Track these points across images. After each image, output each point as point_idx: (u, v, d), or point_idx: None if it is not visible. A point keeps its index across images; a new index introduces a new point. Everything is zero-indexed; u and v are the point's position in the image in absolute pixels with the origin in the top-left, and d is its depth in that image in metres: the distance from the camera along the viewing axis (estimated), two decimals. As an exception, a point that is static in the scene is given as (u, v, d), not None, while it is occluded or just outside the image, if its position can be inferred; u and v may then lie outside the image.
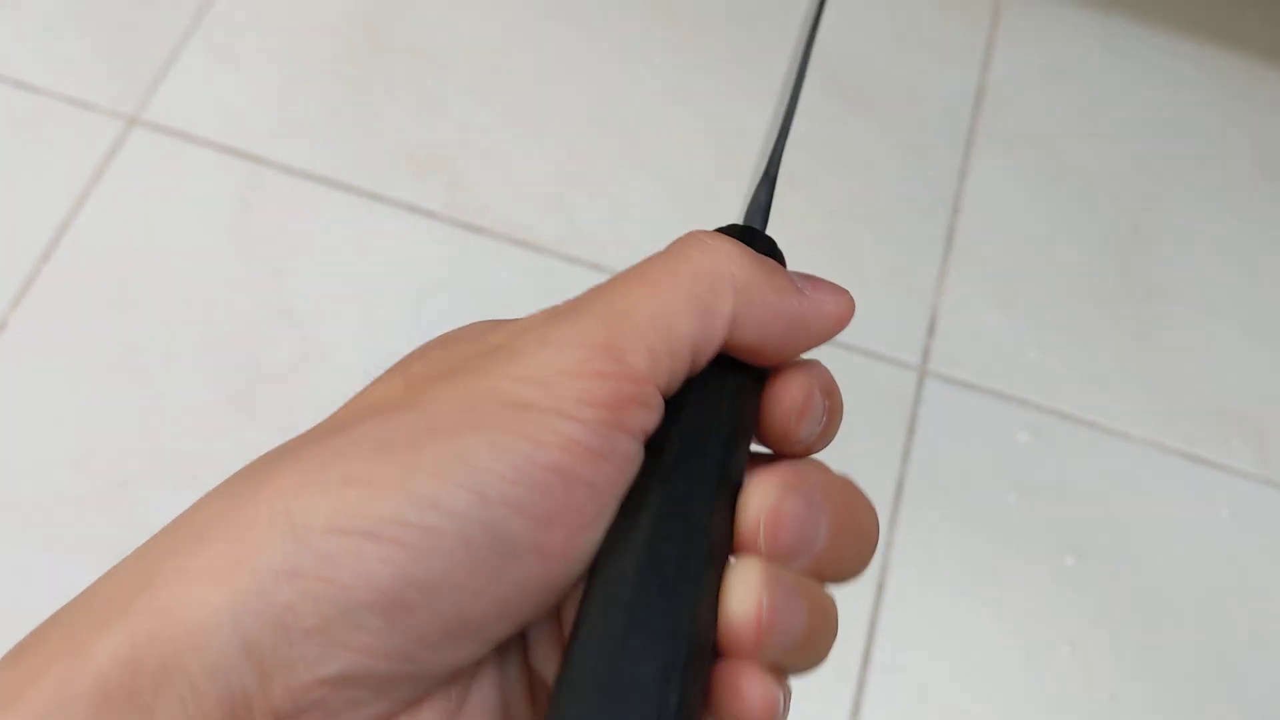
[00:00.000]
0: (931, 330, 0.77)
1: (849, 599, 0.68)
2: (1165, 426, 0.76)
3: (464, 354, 0.23)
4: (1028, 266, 0.81)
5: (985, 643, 0.68)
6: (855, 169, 0.83)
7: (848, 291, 0.25)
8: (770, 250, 0.26)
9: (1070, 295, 0.80)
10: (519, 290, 0.74)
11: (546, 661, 0.23)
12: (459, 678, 0.22)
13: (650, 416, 0.22)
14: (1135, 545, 0.72)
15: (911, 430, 0.73)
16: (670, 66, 0.84)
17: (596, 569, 0.21)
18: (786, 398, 0.24)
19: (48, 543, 0.64)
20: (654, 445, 0.22)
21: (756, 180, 0.26)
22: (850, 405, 0.80)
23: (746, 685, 0.21)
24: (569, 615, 0.22)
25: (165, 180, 0.76)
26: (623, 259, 0.72)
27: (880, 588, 0.68)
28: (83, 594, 0.21)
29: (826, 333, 0.24)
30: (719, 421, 0.23)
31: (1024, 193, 0.84)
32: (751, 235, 0.26)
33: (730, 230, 0.26)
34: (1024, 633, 0.68)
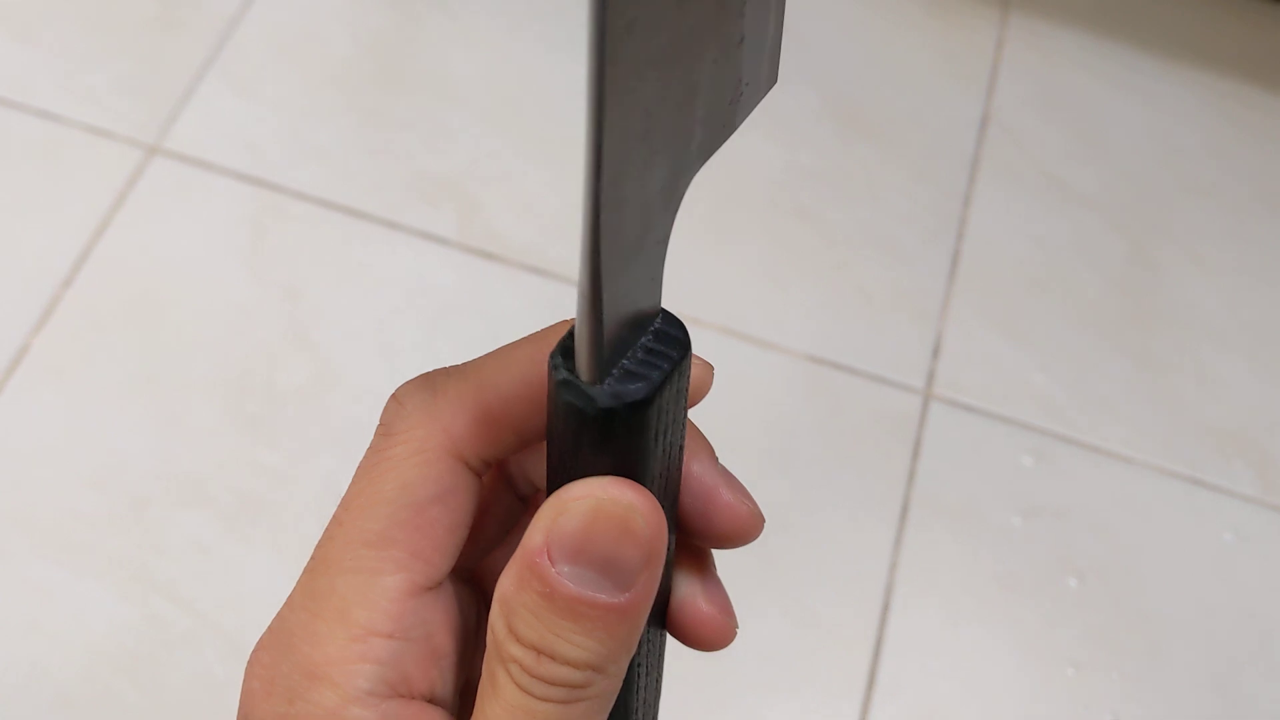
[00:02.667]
0: (936, 354, 0.78)
1: (855, 619, 0.69)
2: (1168, 450, 0.76)
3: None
4: (1032, 292, 0.82)
5: (989, 664, 0.69)
6: (860, 195, 0.84)
7: None
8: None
9: (1074, 320, 0.81)
10: (530, 316, 0.76)
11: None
12: None
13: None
14: (1138, 568, 0.72)
15: (916, 453, 0.74)
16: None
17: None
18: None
19: (66, 562, 0.65)
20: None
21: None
22: (856, 428, 0.82)
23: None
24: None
25: (184, 208, 0.77)
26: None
27: (885, 609, 0.69)
28: None
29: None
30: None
31: (1028, 219, 0.85)
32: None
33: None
34: (1027, 654, 0.69)
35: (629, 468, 0.22)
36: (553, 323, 0.25)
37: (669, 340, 0.22)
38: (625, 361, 0.22)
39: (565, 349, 0.22)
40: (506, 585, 0.22)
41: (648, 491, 0.22)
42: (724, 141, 0.23)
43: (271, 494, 0.68)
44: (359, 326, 0.74)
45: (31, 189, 0.77)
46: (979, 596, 0.70)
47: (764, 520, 0.25)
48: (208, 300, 0.74)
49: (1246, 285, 0.84)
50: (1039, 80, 0.92)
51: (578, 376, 0.21)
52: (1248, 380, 0.80)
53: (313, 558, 0.24)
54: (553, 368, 0.22)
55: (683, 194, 0.22)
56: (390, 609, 0.23)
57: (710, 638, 0.26)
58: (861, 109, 0.88)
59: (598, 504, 0.21)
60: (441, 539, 0.23)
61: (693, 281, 0.77)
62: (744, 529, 0.25)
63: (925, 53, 0.92)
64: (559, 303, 0.76)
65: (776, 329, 0.77)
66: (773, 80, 0.24)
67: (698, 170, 0.22)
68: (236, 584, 0.66)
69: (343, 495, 0.24)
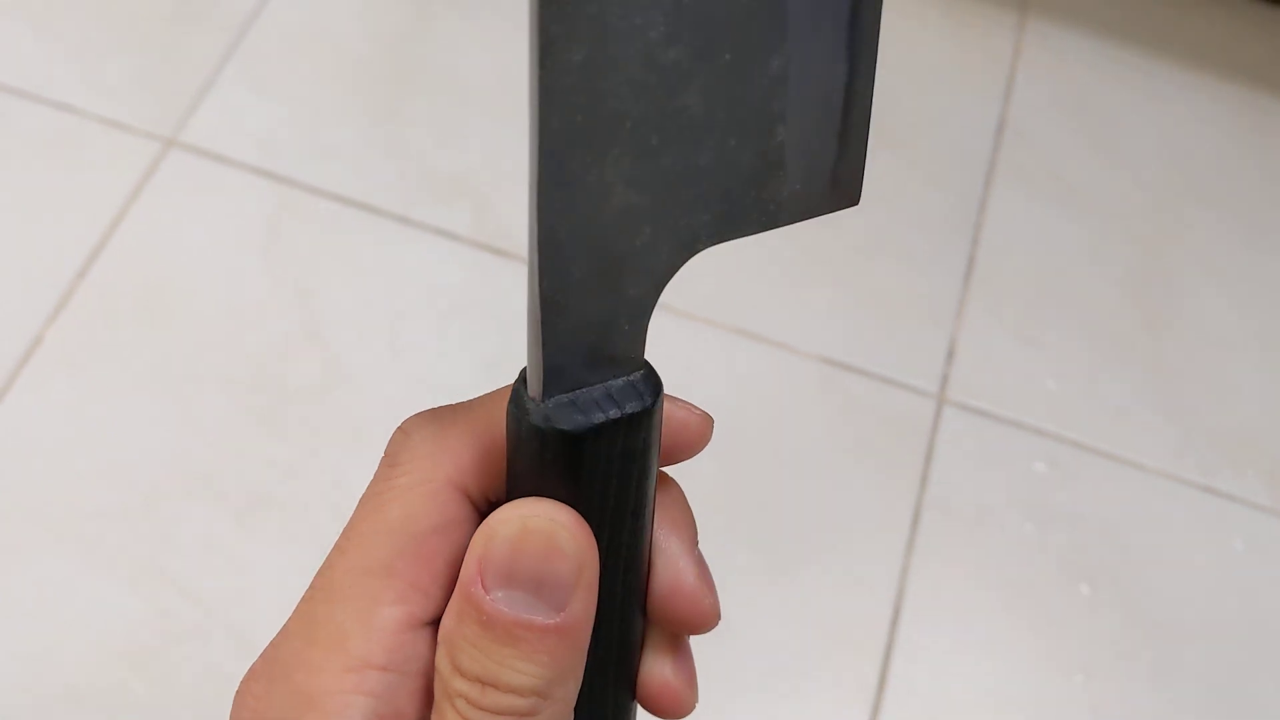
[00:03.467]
0: (950, 359, 0.78)
1: (865, 624, 0.68)
2: (1181, 458, 0.76)
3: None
4: (1046, 297, 0.81)
5: (1000, 670, 0.69)
6: (876, 200, 0.84)
7: None
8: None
9: (1088, 326, 0.81)
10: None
11: None
12: None
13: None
14: (1150, 575, 0.72)
15: (929, 458, 0.74)
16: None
17: None
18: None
19: (78, 555, 0.65)
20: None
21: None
22: (869, 432, 0.82)
23: None
24: None
25: (199, 202, 0.77)
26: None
27: (896, 613, 0.69)
28: None
29: None
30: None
31: (1043, 224, 0.85)
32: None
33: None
34: (1038, 660, 0.69)
35: (563, 500, 0.22)
36: None
37: (632, 393, 0.22)
38: (578, 394, 0.22)
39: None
40: (448, 622, 0.22)
41: (572, 509, 0.22)
42: (751, 233, 0.22)
43: (282, 489, 0.68)
44: (371, 322, 0.74)
45: (48, 181, 0.77)
46: (990, 602, 0.70)
47: (720, 618, 0.26)
48: (221, 294, 0.74)
49: (1260, 293, 0.84)
50: (1055, 86, 0.91)
51: (526, 390, 0.22)
52: (1260, 388, 0.80)
53: (312, 585, 0.23)
54: (517, 379, 0.22)
55: (678, 265, 0.22)
56: (387, 641, 0.22)
57: (669, 708, 0.26)
58: (878, 113, 0.87)
59: (522, 522, 0.21)
60: (441, 572, 0.23)
61: (707, 283, 0.77)
62: (700, 622, 0.25)
63: (942, 58, 0.91)
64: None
65: (790, 331, 0.77)
66: (849, 199, 0.23)
67: (704, 248, 0.22)
68: (246, 578, 0.66)
69: (347, 522, 0.24)
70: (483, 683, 0.21)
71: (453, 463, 0.23)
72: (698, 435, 0.25)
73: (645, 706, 0.27)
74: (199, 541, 0.66)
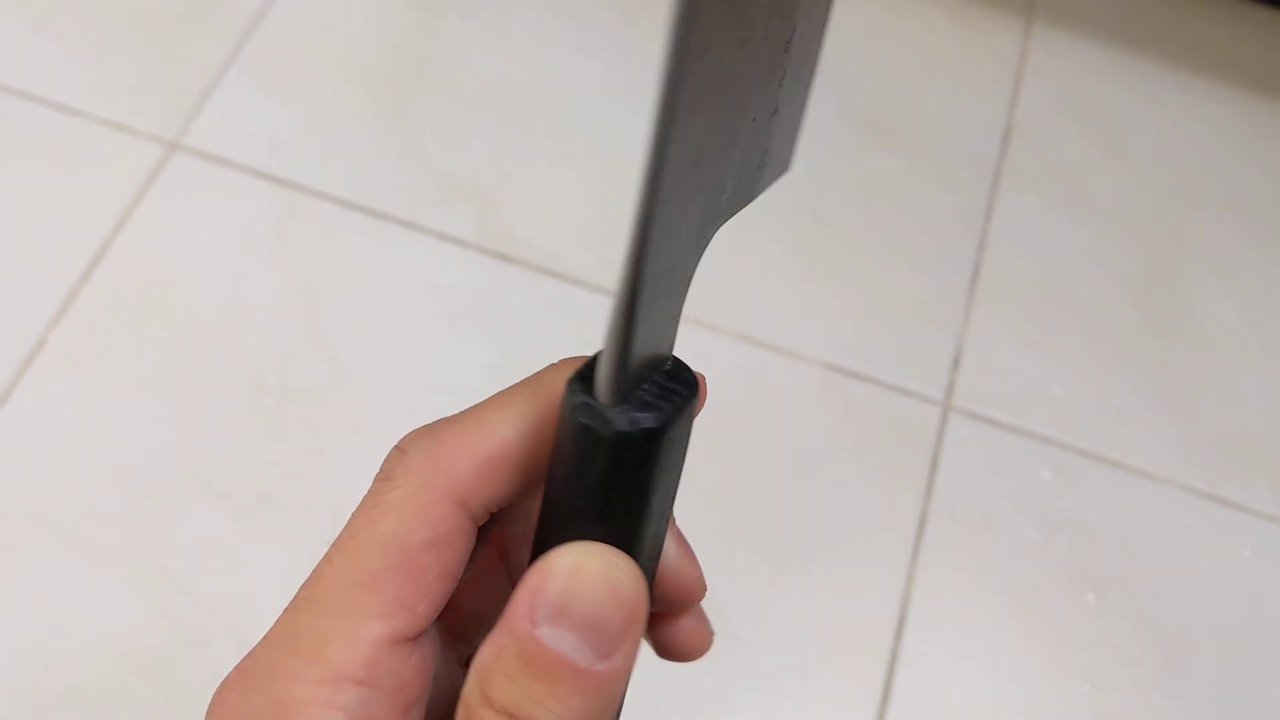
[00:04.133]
0: (956, 365, 0.78)
1: (870, 630, 0.68)
2: (1188, 466, 0.76)
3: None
4: (1053, 303, 0.81)
5: (1004, 677, 0.68)
6: (882, 205, 0.84)
7: None
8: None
9: (1095, 332, 0.80)
10: (547, 319, 0.75)
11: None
12: None
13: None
14: (1156, 584, 0.72)
15: (934, 464, 0.74)
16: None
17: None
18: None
19: (81, 556, 0.65)
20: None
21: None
22: (874, 438, 0.81)
23: None
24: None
25: (203, 204, 0.77)
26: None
27: (901, 621, 0.69)
28: None
29: None
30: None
31: (1049, 229, 0.84)
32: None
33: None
34: (1044, 669, 0.69)
35: (633, 502, 0.22)
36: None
37: (681, 380, 0.23)
38: (641, 393, 0.22)
39: (583, 377, 0.22)
40: (485, 654, 0.21)
41: (631, 559, 0.22)
42: (742, 207, 0.23)
43: (286, 491, 0.68)
44: (376, 326, 0.74)
45: (51, 183, 0.77)
46: (995, 609, 0.70)
47: (706, 589, 0.26)
48: (225, 297, 0.74)
49: (1268, 298, 0.84)
50: (1062, 91, 0.91)
51: (597, 400, 0.22)
52: (1268, 395, 0.79)
53: (297, 596, 0.23)
54: (569, 393, 0.22)
55: (706, 244, 0.22)
56: (367, 655, 0.22)
57: (696, 648, 0.27)
58: (884, 117, 0.87)
59: (581, 564, 0.21)
60: (430, 587, 0.23)
61: (712, 288, 0.77)
62: (688, 597, 0.26)
63: (948, 62, 0.91)
64: (577, 306, 0.76)
65: (795, 337, 0.77)
66: (786, 166, 0.24)
67: (720, 226, 0.22)
68: (250, 580, 0.66)
69: (338, 534, 0.24)
70: (511, 716, 0.21)
71: (449, 476, 0.23)
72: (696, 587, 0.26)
73: (670, 653, 0.27)
74: (201, 542, 0.66)
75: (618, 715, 0.23)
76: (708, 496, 0.69)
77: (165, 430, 0.69)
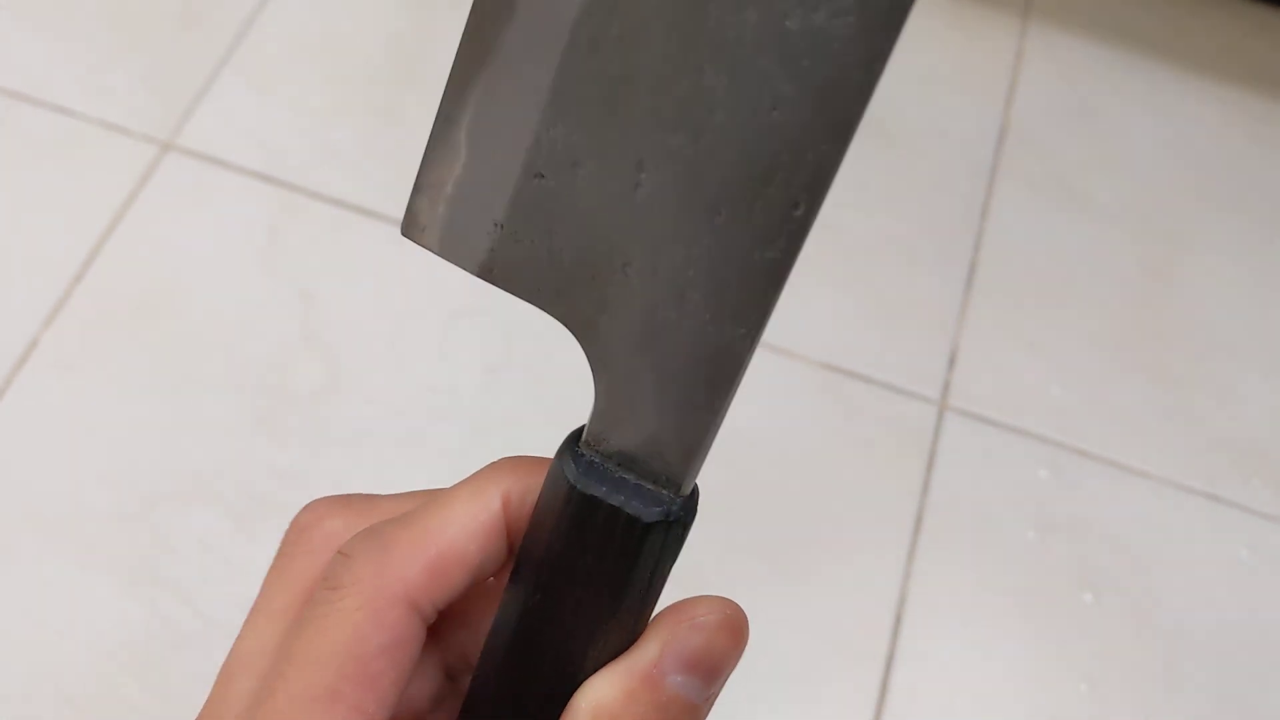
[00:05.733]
0: (952, 365, 0.77)
1: (866, 632, 0.68)
2: (1185, 466, 0.76)
3: None
4: (1049, 303, 0.81)
5: (1002, 678, 0.68)
6: (878, 204, 0.83)
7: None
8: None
9: (1091, 332, 0.80)
10: (541, 320, 0.75)
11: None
12: None
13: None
14: (1154, 584, 0.72)
15: (931, 465, 0.73)
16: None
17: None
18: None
19: (75, 559, 0.65)
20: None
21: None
22: (870, 438, 0.81)
23: None
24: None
25: (197, 205, 0.77)
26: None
27: (897, 621, 0.69)
28: None
29: None
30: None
31: (1046, 229, 0.84)
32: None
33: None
34: (1041, 669, 0.68)
35: (652, 586, 0.23)
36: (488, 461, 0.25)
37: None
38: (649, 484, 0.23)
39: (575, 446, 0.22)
40: (610, 695, 0.22)
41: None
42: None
43: (281, 494, 0.68)
44: (372, 328, 0.74)
45: (45, 183, 0.77)
46: (992, 610, 0.70)
47: None
48: (220, 298, 0.74)
49: (1265, 299, 0.84)
50: (1058, 91, 0.91)
51: (661, 497, 0.22)
52: (1266, 396, 0.79)
53: (250, 713, 0.23)
54: (630, 507, 0.22)
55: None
56: None
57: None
58: (880, 118, 0.87)
59: (725, 619, 0.23)
60: (386, 693, 0.23)
61: (708, 287, 0.77)
62: None
63: (944, 62, 0.91)
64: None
65: (791, 336, 0.77)
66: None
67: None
68: (245, 584, 0.65)
69: (278, 648, 0.23)
70: None
71: (400, 580, 0.23)
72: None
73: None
74: (197, 546, 0.66)
75: None
76: (703, 496, 0.69)
77: (160, 432, 0.69)
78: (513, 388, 0.72)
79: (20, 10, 0.83)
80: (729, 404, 0.21)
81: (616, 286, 0.20)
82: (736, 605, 0.23)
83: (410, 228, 0.22)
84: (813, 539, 0.71)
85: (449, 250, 0.22)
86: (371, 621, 0.23)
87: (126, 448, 0.68)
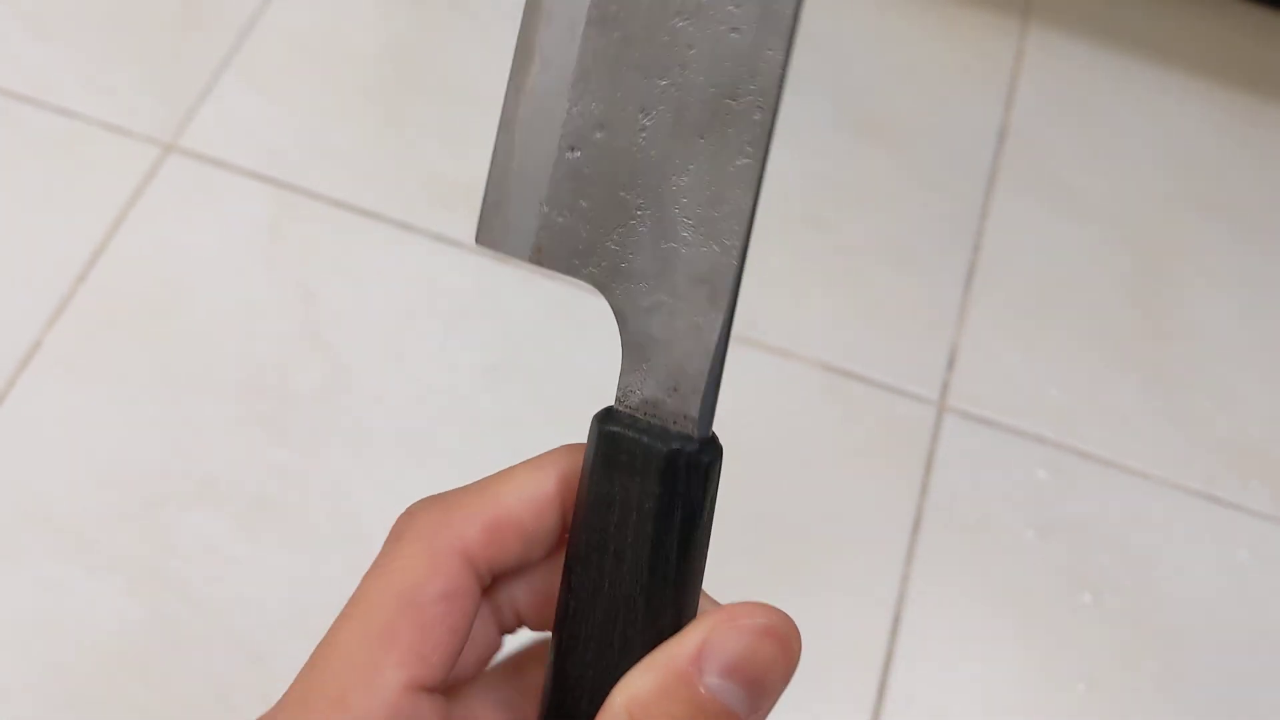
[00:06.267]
0: (951, 366, 0.78)
1: (865, 631, 0.68)
2: (1184, 466, 0.76)
3: None
4: (1048, 304, 0.81)
5: (1001, 678, 0.68)
6: (878, 206, 0.84)
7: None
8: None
9: (1090, 333, 0.80)
10: (543, 321, 0.76)
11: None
12: None
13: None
14: (1153, 584, 0.72)
15: (930, 465, 0.74)
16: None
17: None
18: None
19: (79, 559, 0.65)
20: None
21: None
22: (869, 438, 0.81)
23: None
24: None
25: (199, 206, 0.77)
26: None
27: (896, 621, 0.69)
28: None
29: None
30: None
31: (1045, 231, 0.84)
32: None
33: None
34: (1040, 669, 0.69)
35: (700, 530, 0.24)
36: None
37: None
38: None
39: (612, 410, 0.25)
40: (645, 688, 0.22)
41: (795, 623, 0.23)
42: None
43: (284, 494, 0.68)
44: (373, 328, 0.74)
45: (48, 185, 0.77)
46: (991, 610, 0.70)
47: None
48: (222, 299, 0.74)
49: (1262, 300, 0.84)
50: (1057, 93, 0.91)
51: (687, 433, 0.24)
52: (1264, 396, 0.80)
53: (314, 654, 0.24)
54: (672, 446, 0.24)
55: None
56: (389, 700, 0.23)
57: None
58: (879, 119, 0.87)
59: (768, 626, 0.22)
60: (443, 640, 0.24)
61: (708, 289, 0.77)
62: None
63: (944, 63, 0.91)
64: (571, 308, 0.76)
65: (791, 337, 0.77)
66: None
67: None
68: (248, 584, 0.66)
69: (351, 593, 0.25)
70: None
71: (458, 535, 0.24)
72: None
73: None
74: (200, 546, 0.66)
75: None
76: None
77: (163, 433, 0.69)
78: (512, 388, 0.73)
79: (23, 12, 0.83)
80: (728, 323, 0.24)
81: (630, 232, 0.24)
82: (786, 616, 0.23)
83: (485, 235, 0.25)
84: (811, 540, 0.71)
85: (512, 246, 0.25)
86: (429, 570, 0.24)
87: (129, 448, 0.69)
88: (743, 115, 0.24)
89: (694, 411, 0.24)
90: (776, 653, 0.22)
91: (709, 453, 0.24)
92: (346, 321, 0.74)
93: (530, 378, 0.73)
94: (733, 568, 0.69)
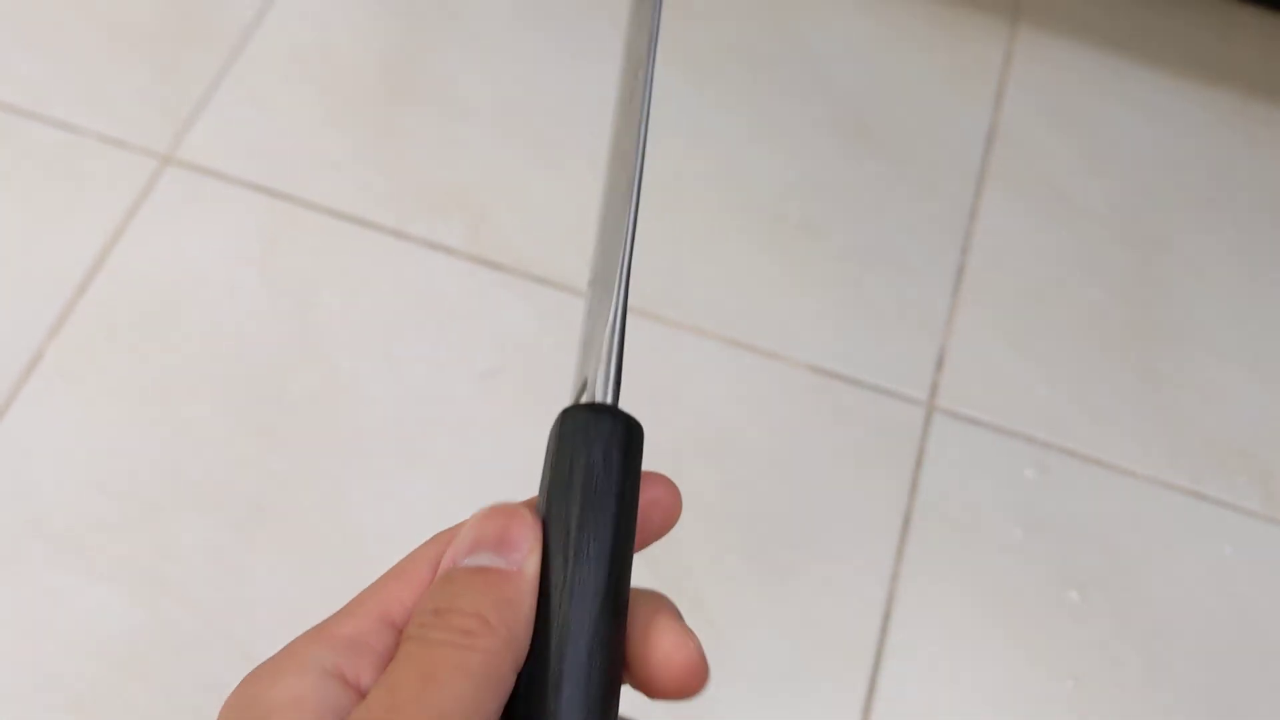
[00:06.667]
0: (940, 366, 0.78)
1: (856, 630, 0.69)
2: (1171, 464, 0.77)
3: None
4: (1036, 305, 0.82)
5: (989, 676, 0.69)
6: (867, 208, 0.84)
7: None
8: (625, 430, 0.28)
9: (1078, 333, 0.81)
10: (538, 325, 0.76)
11: None
12: None
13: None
14: (1140, 581, 0.73)
15: (919, 465, 0.75)
16: (690, 109, 0.86)
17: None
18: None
19: (79, 567, 0.66)
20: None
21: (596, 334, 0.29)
22: (859, 439, 0.82)
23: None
24: None
25: (197, 217, 0.78)
26: (638, 298, 0.74)
27: (886, 619, 0.70)
28: None
29: None
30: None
31: (1033, 232, 0.85)
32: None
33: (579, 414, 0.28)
34: (1027, 666, 0.69)
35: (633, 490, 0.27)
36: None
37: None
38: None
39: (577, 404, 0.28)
40: (416, 606, 0.25)
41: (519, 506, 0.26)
42: None
43: (281, 500, 0.69)
44: (369, 335, 0.75)
45: (47, 197, 0.78)
46: (980, 608, 0.71)
47: (708, 673, 0.26)
48: (220, 308, 0.75)
49: (1251, 300, 0.84)
50: (1047, 94, 0.92)
51: (591, 400, 0.28)
52: (1251, 395, 0.80)
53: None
54: (587, 406, 0.28)
55: None
56: (359, 625, 0.25)
57: (689, 679, 0.26)
58: (868, 122, 0.88)
59: (488, 511, 0.26)
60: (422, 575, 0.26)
61: (699, 292, 0.78)
62: (683, 677, 0.26)
63: (933, 66, 0.92)
64: (565, 313, 0.77)
65: (781, 340, 0.78)
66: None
67: None
68: (246, 589, 0.66)
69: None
70: (436, 610, 0.24)
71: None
72: (671, 511, 0.29)
73: (658, 688, 0.27)
74: (199, 552, 0.67)
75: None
76: (694, 498, 0.70)
77: (163, 441, 0.70)
78: (505, 395, 0.74)
79: (21, 26, 0.84)
80: (625, 269, 0.27)
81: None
82: (506, 502, 0.26)
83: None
84: (801, 539, 0.72)
85: None
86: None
87: (130, 456, 0.70)
88: (630, 62, 0.28)
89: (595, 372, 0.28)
90: (506, 519, 0.25)
91: (612, 413, 0.27)
92: (342, 329, 0.75)
93: (522, 385, 0.74)
94: (723, 567, 0.70)
